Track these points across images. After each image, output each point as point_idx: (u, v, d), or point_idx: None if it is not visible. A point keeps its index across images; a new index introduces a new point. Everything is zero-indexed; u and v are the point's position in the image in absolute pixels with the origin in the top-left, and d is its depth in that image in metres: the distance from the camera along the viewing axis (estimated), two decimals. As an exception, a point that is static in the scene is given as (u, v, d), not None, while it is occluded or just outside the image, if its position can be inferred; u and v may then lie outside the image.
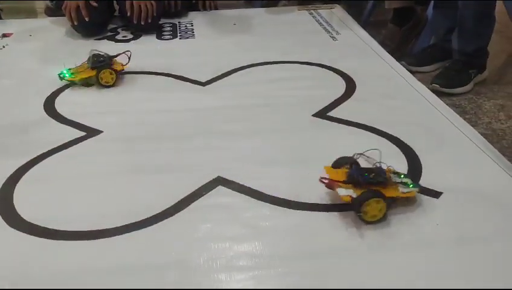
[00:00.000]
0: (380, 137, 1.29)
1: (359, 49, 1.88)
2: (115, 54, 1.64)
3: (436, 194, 1.05)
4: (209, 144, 1.28)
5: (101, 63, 1.58)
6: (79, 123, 1.37)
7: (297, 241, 0.95)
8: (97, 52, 1.61)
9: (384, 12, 2.25)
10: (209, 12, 2.33)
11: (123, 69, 1.62)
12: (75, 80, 1.58)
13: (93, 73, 1.57)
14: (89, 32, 2.01)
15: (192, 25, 2.17)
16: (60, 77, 1.58)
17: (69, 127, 1.36)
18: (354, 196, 0.97)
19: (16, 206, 1.03)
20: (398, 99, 1.49)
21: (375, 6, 2.31)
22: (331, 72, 1.67)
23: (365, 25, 2.20)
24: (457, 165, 1.17)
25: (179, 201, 1.04)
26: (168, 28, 2.14)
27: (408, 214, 1.00)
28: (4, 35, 2.04)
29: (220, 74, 1.68)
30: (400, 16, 1.96)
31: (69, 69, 1.60)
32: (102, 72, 1.57)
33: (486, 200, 1.05)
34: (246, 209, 1.03)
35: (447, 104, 1.49)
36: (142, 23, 2.01)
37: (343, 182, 0.99)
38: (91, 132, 1.32)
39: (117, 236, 0.95)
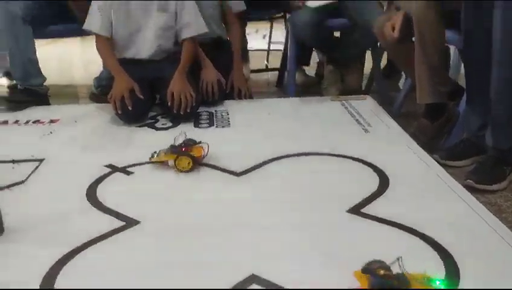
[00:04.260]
0: (413, 236, 1.29)
1: (391, 142, 1.92)
2: (196, 141, 1.73)
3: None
4: (243, 238, 1.30)
5: (177, 149, 1.68)
6: (118, 212, 1.42)
7: None
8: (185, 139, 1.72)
9: (415, 104, 2.29)
10: (244, 101, 2.42)
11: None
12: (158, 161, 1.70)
13: (171, 157, 1.67)
14: (131, 120, 2.12)
15: (228, 114, 2.26)
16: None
17: (108, 216, 1.41)
18: None
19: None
20: (431, 197, 1.50)
21: (406, 98, 2.37)
22: (365, 166, 1.70)
23: (396, 116, 2.25)
24: (493, 268, 1.15)
25: (213, 300, 1.05)
26: (205, 116, 2.23)
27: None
28: (52, 121, 2.17)
29: (253, 164, 1.72)
30: (432, 110, 1.99)
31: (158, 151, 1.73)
32: (179, 159, 1.66)
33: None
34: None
35: (481, 202, 1.49)
36: (182, 113, 2.11)
37: None
38: (129, 222, 1.37)
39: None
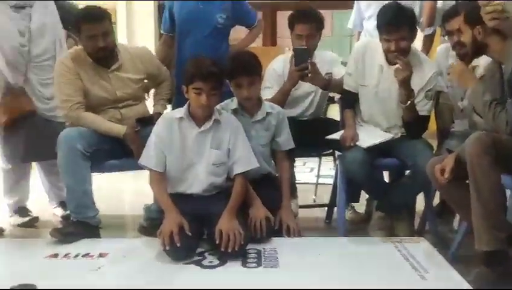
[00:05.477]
0: None
1: (452, 294, 1.80)
2: None
3: None
4: None
5: None
6: None
7: None
8: None
9: (473, 246, 2.18)
10: (293, 239, 2.37)
11: None
12: None
13: None
14: (178, 256, 2.09)
15: (276, 252, 2.20)
16: None
17: None
18: None
19: None
20: None
21: (463, 240, 2.26)
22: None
23: (454, 260, 2.14)
24: None
25: None
26: (253, 254, 2.18)
27: None
28: (101, 255, 2.17)
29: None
30: (492, 257, 1.88)
31: None
32: None
33: None
34: None
35: None
36: (229, 251, 2.08)
37: None
38: None
39: None
